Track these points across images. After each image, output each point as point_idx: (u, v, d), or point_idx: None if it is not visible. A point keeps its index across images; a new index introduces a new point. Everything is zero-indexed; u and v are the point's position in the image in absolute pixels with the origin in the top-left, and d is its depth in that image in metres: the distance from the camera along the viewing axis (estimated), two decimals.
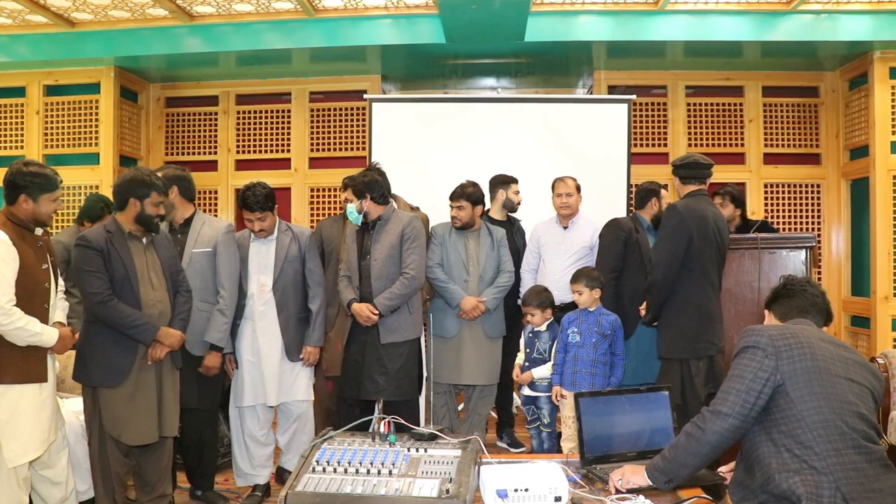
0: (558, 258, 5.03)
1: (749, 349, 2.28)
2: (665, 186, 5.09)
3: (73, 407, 3.98)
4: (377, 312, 4.18)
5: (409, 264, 4.24)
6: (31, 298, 3.29)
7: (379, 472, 2.36)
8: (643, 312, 4.38)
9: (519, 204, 5.29)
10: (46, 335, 3.29)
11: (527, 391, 4.67)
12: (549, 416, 4.62)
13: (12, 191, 3.32)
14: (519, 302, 5.08)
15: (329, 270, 4.82)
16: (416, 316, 4.36)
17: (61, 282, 3.61)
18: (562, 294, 4.88)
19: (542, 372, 4.53)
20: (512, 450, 5.22)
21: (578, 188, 5.11)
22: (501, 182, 5.25)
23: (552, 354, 4.52)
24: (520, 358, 4.72)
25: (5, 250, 3.19)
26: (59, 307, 3.57)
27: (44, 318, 3.35)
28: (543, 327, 4.62)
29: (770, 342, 2.25)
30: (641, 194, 4.96)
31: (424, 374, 4.88)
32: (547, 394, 4.54)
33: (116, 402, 3.48)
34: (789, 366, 2.20)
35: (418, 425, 3.83)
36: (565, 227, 5.10)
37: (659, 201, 4.85)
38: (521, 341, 4.77)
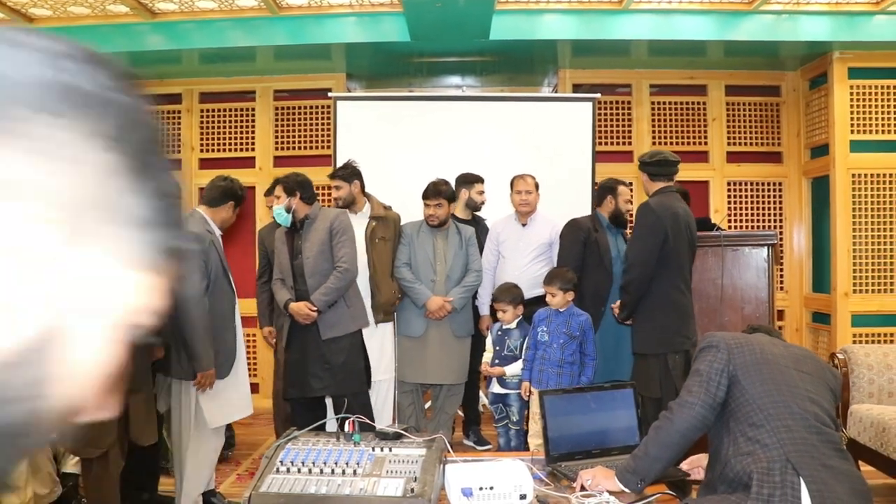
0: (518, 255, 5.05)
1: (704, 349, 2.41)
2: (625, 183, 5.11)
3: None
4: (315, 309, 4.19)
5: (340, 258, 4.25)
6: None
7: (343, 472, 2.35)
8: (616, 311, 4.41)
9: (482, 203, 5.31)
10: None
11: (496, 388, 4.67)
12: (518, 413, 4.63)
13: None
14: (476, 302, 5.09)
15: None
16: (354, 309, 4.36)
17: None
18: (523, 290, 4.92)
19: (515, 369, 4.55)
20: (478, 447, 5.23)
21: (537, 186, 5.14)
22: (465, 181, 5.26)
23: (524, 351, 4.53)
24: (487, 356, 4.73)
25: None
26: None
27: None
28: (513, 325, 4.63)
29: (722, 340, 2.38)
30: (599, 192, 5.01)
31: (393, 373, 4.89)
32: (517, 391, 4.55)
33: (142, 405, 3.54)
34: (740, 358, 2.31)
35: (371, 420, 3.82)
36: (524, 225, 5.13)
37: (615, 198, 4.88)
38: (489, 339, 4.77)
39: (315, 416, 4.33)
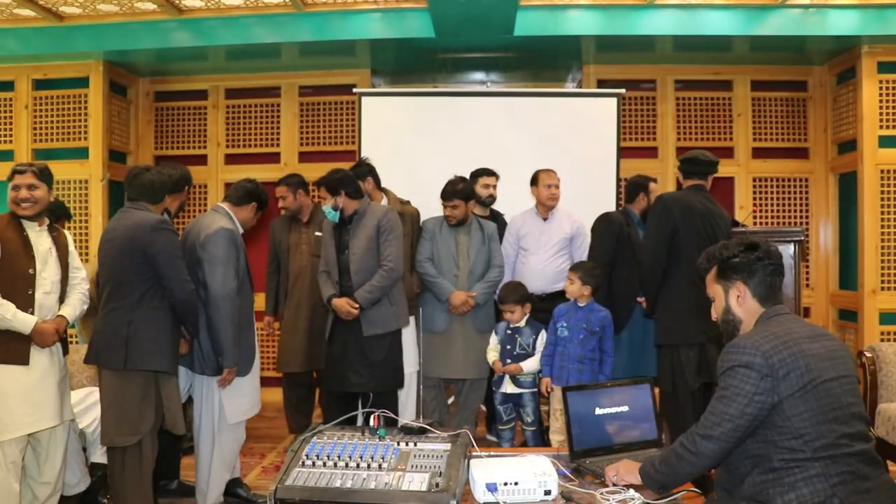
0: (540, 249, 5.05)
1: (741, 369, 2.14)
2: (655, 180, 5.12)
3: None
4: (357, 306, 4.22)
5: (387, 256, 4.26)
6: (13, 282, 3.40)
7: (368, 466, 2.37)
8: (644, 303, 4.43)
9: (489, 197, 5.27)
10: (18, 322, 3.36)
11: (509, 388, 4.58)
12: (533, 413, 4.57)
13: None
14: (496, 297, 5.08)
15: (282, 270, 5.16)
16: (397, 307, 4.37)
17: (81, 275, 3.71)
18: (545, 284, 4.93)
19: (531, 365, 4.49)
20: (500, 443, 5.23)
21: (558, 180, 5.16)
22: (470, 175, 5.23)
23: (536, 348, 4.50)
24: (491, 355, 4.63)
25: None
26: (71, 303, 3.64)
27: (27, 303, 3.43)
28: (523, 323, 4.58)
29: (765, 361, 2.11)
30: (630, 188, 5.01)
31: (416, 368, 4.91)
32: (532, 389, 4.52)
33: (175, 391, 3.63)
34: (786, 384, 2.09)
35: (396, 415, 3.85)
36: (545, 219, 5.12)
37: (647, 195, 4.87)
38: (493, 339, 4.69)
39: (348, 409, 4.38)
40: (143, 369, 3.46)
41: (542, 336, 4.53)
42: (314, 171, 6.86)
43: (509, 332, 4.60)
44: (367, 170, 4.90)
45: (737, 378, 2.13)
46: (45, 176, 3.54)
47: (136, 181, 3.64)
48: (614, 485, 2.42)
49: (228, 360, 3.76)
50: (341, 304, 4.24)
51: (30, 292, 3.45)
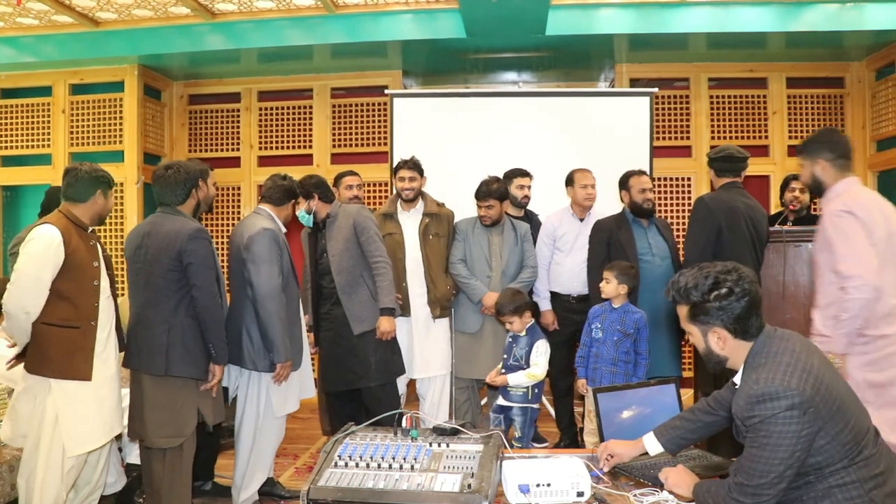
0: (577, 250, 5.00)
1: (784, 413, 1.99)
2: (640, 173, 4.96)
3: None
4: (393, 308, 4.40)
5: (373, 253, 4.38)
6: (80, 291, 3.37)
7: (401, 467, 2.37)
8: None
9: (525, 198, 5.25)
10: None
11: (500, 401, 4.29)
12: (521, 429, 4.23)
13: (91, 188, 3.48)
14: (534, 298, 5.04)
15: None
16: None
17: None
18: (582, 286, 4.89)
19: (518, 379, 4.13)
20: (534, 444, 5.21)
21: None
22: (504, 176, 5.21)
23: (531, 360, 4.18)
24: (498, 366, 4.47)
25: (55, 249, 3.29)
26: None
27: (92, 314, 3.40)
28: (523, 332, 4.27)
29: (802, 397, 1.99)
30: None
31: (449, 369, 4.91)
32: (521, 404, 4.20)
33: (208, 393, 3.64)
34: (823, 410, 2.01)
35: (399, 408, 3.84)
36: (581, 220, 5.08)
37: (628, 191, 4.79)
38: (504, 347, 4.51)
39: (351, 407, 4.43)
40: (184, 376, 3.49)
41: (538, 346, 4.20)
42: None
43: (510, 340, 4.34)
44: (421, 167, 4.97)
45: (778, 424, 1.99)
46: None
47: (157, 183, 3.66)
48: (663, 488, 2.38)
49: (281, 355, 3.80)
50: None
51: (95, 304, 3.44)
